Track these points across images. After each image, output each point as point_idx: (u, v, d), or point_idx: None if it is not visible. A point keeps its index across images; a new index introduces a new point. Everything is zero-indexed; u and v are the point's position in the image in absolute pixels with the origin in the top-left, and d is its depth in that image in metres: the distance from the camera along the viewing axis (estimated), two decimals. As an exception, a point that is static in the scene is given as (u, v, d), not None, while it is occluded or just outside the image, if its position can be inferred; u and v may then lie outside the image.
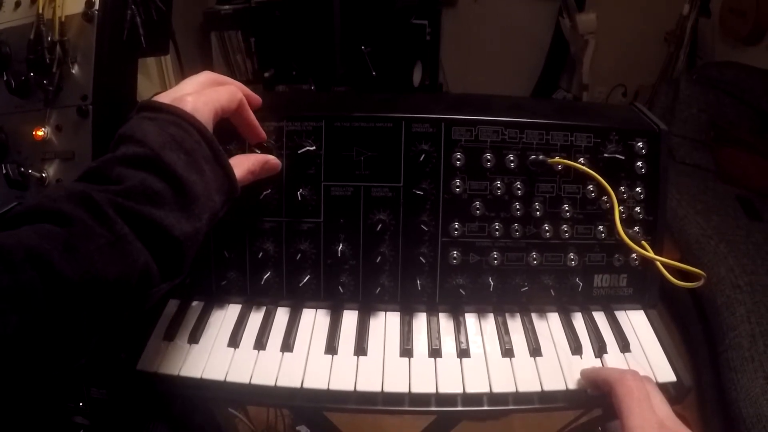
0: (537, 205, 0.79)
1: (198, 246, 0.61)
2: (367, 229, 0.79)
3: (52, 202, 0.51)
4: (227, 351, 0.76)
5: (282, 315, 0.82)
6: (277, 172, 0.77)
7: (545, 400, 0.73)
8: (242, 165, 0.69)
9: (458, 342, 0.78)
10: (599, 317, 0.83)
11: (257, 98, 0.76)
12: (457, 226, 0.79)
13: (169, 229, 0.56)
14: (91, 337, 0.52)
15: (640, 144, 0.80)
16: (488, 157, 0.78)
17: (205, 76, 0.70)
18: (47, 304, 0.46)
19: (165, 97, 0.64)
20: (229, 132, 0.74)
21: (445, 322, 0.81)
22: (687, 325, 2.24)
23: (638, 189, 0.80)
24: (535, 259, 0.80)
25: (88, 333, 0.51)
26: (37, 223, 0.50)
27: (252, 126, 0.74)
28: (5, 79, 0.87)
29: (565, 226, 0.80)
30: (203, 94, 0.66)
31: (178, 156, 0.58)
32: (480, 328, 0.80)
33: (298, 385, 0.72)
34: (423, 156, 0.77)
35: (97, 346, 0.54)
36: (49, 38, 0.86)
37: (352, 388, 0.71)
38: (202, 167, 0.60)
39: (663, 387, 0.73)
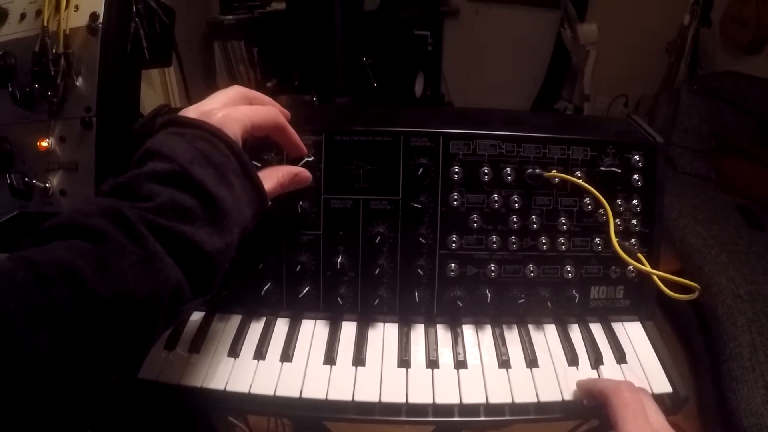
0: (534, 218, 0.80)
1: (229, 260, 0.60)
2: (366, 242, 0.80)
3: (84, 217, 0.51)
4: (227, 361, 0.77)
5: (281, 326, 0.82)
6: (307, 185, 0.76)
7: (542, 410, 0.73)
8: (271, 178, 0.69)
9: (455, 353, 0.78)
10: (596, 329, 0.83)
11: (286, 112, 0.74)
12: (454, 239, 0.80)
13: (200, 245, 0.55)
14: (124, 354, 0.52)
15: (636, 157, 0.81)
16: (486, 171, 0.79)
17: (235, 91, 0.69)
18: (80, 321, 0.46)
19: (192, 112, 0.63)
20: (260, 144, 0.75)
21: (443, 334, 0.82)
22: (688, 335, 2.24)
23: (635, 202, 0.81)
24: (532, 272, 0.81)
25: (121, 350, 0.51)
26: (68, 238, 0.50)
27: (292, 143, 0.73)
28: (10, 90, 0.88)
29: (561, 238, 0.80)
30: (233, 108, 0.65)
31: (207, 171, 0.57)
32: (477, 340, 0.81)
33: (296, 394, 0.72)
34: (421, 169, 0.78)
35: (128, 363, 0.53)
36: (53, 50, 0.87)
37: (350, 398, 0.72)
38: (232, 181, 0.60)
39: (659, 398, 0.73)
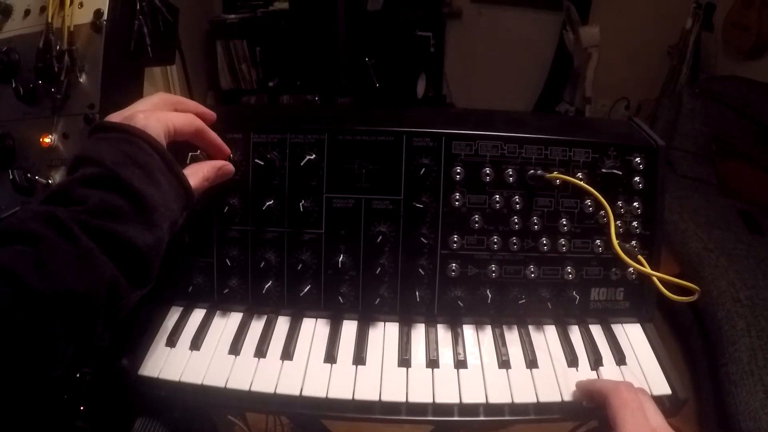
0: (535, 219, 0.80)
1: (162, 254, 0.63)
2: (368, 241, 0.80)
3: (21, 223, 0.54)
4: (228, 358, 0.77)
5: (282, 324, 0.83)
6: (230, 176, 0.78)
7: (541, 411, 0.73)
8: (197, 174, 0.71)
9: (456, 353, 0.78)
10: (596, 330, 0.83)
11: (211, 114, 0.77)
12: (456, 239, 0.80)
13: (132, 241, 0.58)
14: (66, 348, 0.55)
15: (637, 159, 0.81)
16: (487, 172, 0.79)
17: (159, 97, 0.72)
18: (21, 316, 0.49)
19: (117, 117, 0.67)
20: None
21: (443, 333, 0.82)
22: (687, 339, 2.24)
23: (635, 204, 0.81)
24: (532, 272, 0.81)
25: (63, 344, 0.54)
26: (8, 244, 0.53)
27: (214, 145, 0.76)
28: (14, 86, 0.88)
29: (562, 239, 0.80)
30: (156, 112, 0.68)
31: (133, 171, 0.61)
32: (477, 340, 0.81)
33: (297, 392, 0.73)
34: (423, 170, 0.78)
35: (73, 357, 0.56)
36: (57, 47, 0.88)
37: (350, 397, 0.72)
38: (158, 179, 0.63)
39: (658, 400, 0.73)
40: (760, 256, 2.19)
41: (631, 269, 0.82)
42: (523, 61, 4.01)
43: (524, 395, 0.73)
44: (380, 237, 0.79)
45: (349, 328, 0.82)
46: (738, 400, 1.69)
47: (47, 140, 0.89)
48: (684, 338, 2.27)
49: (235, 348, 0.78)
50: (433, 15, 3.65)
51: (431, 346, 0.79)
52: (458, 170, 0.79)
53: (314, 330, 0.82)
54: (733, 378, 1.76)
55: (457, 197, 0.79)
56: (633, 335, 0.83)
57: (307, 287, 0.81)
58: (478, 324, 0.83)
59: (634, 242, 0.81)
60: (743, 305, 1.94)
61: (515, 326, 0.83)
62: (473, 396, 0.73)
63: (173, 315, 0.84)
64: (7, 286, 0.49)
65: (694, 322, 2.19)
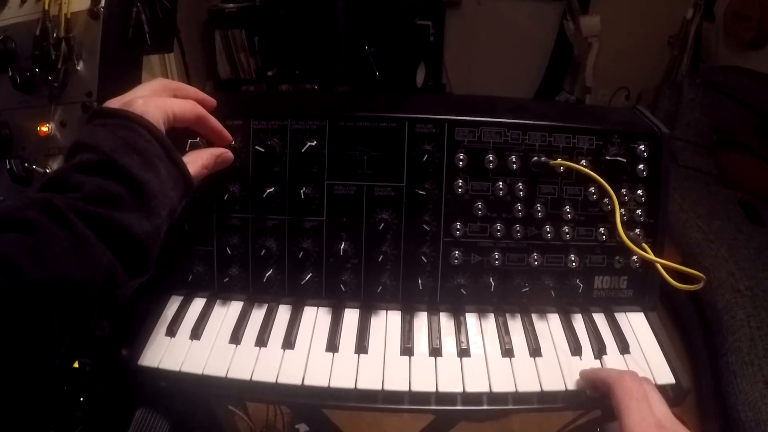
0: (538, 207, 0.79)
1: (161, 242, 0.63)
2: (370, 228, 0.80)
3: (16, 210, 0.53)
4: (229, 348, 0.77)
5: (284, 312, 0.82)
6: (230, 164, 0.77)
7: (544, 400, 0.73)
8: (196, 161, 0.71)
9: (459, 341, 0.78)
10: (599, 319, 0.83)
11: (211, 100, 0.76)
12: (458, 227, 0.79)
13: (129, 229, 0.58)
14: (63, 337, 0.54)
15: (641, 147, 0.80)
16: (491, 158, 0.78)
17: (158, 83, 0.71)
18: (16, 305, 0.49)
19: (115, 102, 0.66)
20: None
21: (446, 322, 0.81)
22: (687, 329, 2.24)
23: (639, 191, 0.81)
24: (536, 260, 0.80)
25: (60, 333, 0.53)
26: (3, 232, 0.52)
27: (215, 132, 0.75)
28: (10, 74, 0.87)
29: (566, 227, 0.80)
30: (155, 98, 0.67)
31: (132, 157, 0.60)
32: (480, 328, 0.81)
33: (298, 382, 0.72)
34: (426, 156, 0.77)
35: (70, 346, 0.55)
36: (54, 34, 0.87)
37: (352, 386, 0.72)
38: (157, 165, 0.62)
39: (662, 389, 0.73)
40: (760, 247, 2.20)
41: (634, 257, 0.81)
42: (523, 51, 3.99)
43: (528, 384, 0.73)
44: (382, 224, 0.78)
45: (351, 317, 0.82)
46: (738, 390, 1.69)
47: (44, 129, 0.89)
48: (683, 328, 2.27)
49: (236, 337, 0.78)
50: (432, 4, 3.63)
51: (434, 334, 0.79)
52: (461, 157, 0.78)
53: (316, 319, 0.82)
54: (733, 368, 1.77)
55: (460, 184, 0.78)
56: (636, 324, 0.83)
57: (309, 275, 0.81)
58: (481, 312, 0.83)
59: (638, 230, 0.81)
60: (743, 295, 1.94)
61: (518, 315, 0.83)
62: (477, 385, 0.72)
63: (173, 304, 0.83)
64: (2, 274, 0.49)
65: (694, 313, 2.19)
